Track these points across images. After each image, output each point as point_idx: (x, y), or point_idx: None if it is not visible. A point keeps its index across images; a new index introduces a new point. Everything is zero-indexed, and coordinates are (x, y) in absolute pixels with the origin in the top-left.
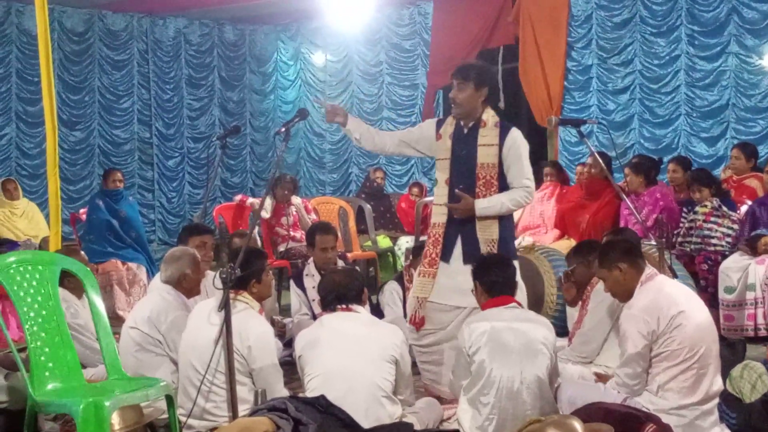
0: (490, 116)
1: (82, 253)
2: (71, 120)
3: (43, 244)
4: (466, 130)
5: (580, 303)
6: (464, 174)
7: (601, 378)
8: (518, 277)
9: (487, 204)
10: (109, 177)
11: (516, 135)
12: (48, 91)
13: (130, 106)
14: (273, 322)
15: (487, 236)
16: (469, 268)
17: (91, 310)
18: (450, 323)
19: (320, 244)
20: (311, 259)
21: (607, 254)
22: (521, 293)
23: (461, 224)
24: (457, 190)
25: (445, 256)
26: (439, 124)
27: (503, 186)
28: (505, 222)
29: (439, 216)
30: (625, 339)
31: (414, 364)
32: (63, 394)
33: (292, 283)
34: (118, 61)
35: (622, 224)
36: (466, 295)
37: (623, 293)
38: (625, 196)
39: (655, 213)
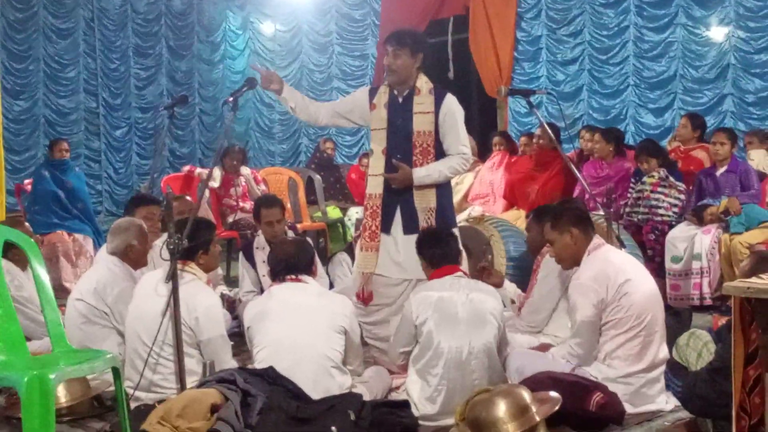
0: (423, 83)
1: (27, 224)
2: (15, 89)
3: None
4: (401, 99)
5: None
6: (401, 143)
7: (544, 348)
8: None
9: (425, 173)
10: (55, 147)
11: (451, 101)
12: None
13: (75, 76)
14: (222, 297)
15: (425, 205)
16: (410, 238)
17: (35, 281)
18: (398, 297)
19: (265, 217)
20: (260, 231)
21: (560, 218)
22: (464, 262)
23: (399, 194)
24: (394, 160)
25: (386, 227)
26: (372, 93)
27: (440, 153)
28: (442, 190)
29: (375, 187)
30: (574, 309)
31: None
32: (6, 367)
33: (241, 256)
34: (64, 30)
35: (576, 194)
36: (410, 267)
37: (569, 259)
38: (573, 167)
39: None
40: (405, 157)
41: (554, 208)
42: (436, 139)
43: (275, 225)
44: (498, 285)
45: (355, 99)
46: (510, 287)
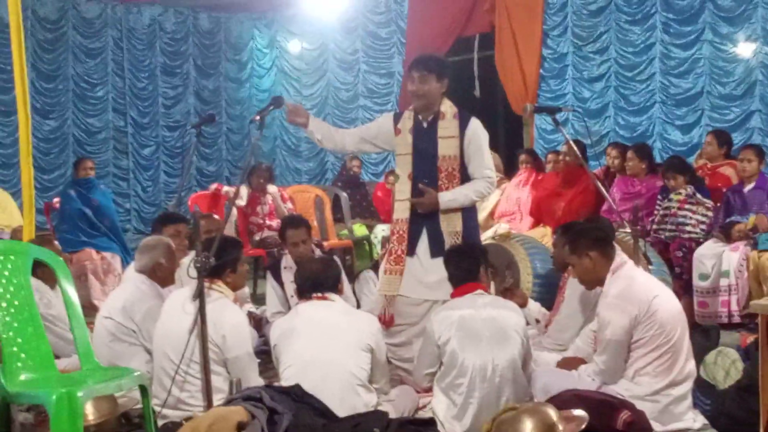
0: (448, 107)
1: (56, 242)
2: (45, 109)
3: (16, 234)
4: (425, 124)
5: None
6: (426, 168)
7: (574, 361)
8: None
9: (451, 197)
10: (80, 166)
11: (476, 126)
12: (21, 80)
13: (104, 95)
14: (250, 316)
15: (451, 229)
16: (436, 261)
17: (63, 299)
18: (422, 317)
19: (291, 238)
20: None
21: (577, 241)
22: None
23: (425, 218)
24: (421, 185)
25: (411, 251)
26: (397, 118)
27: (465, 177)
28: (468, 213)
29: (401, 212)
30: (604, 326)
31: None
32: (36, 384)
33: (268, 274)
34: (92, 49)
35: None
36: (435, 289)
37: (591, 281)
38: (599, 184)
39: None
40: (431, 181)
41: (577, 228)
42: (461, 163)
43: (301, 246)
44: (522, 305)
45: (380, 125)
46: (534, 306)
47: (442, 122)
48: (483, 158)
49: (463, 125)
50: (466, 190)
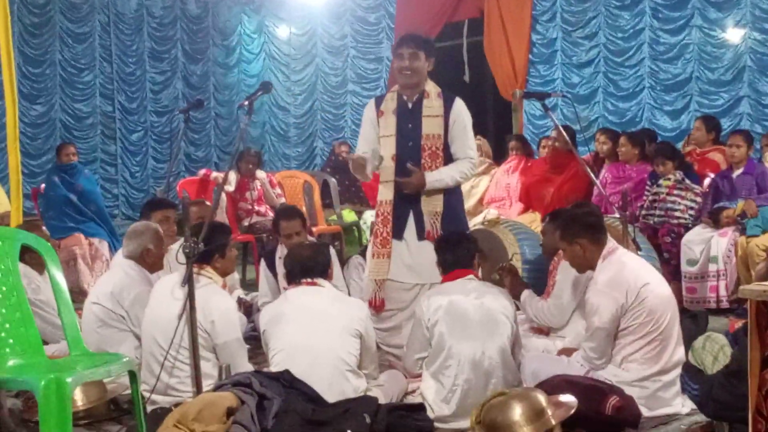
0: (432, 87)
1: (44, 228)
2: (32, 94)
3: (3, 219)
4: (410, 104)
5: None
6: (410, 148)
7: (566, 352)
8: None
9: (438, 176)
10: (62, 151)
11: (460, 106)
12: (7, 65)
13: (92, 80)
14: (239, 301)
15: (431, 209)
16: (423, 244)
17: (51, 285)
18: (411, 301)
19: (284, 230)
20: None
21: (568, 228)
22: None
23: (410, 200)
24: (409, 165)
25: (397, 233)
26: (378, 101)
27: (447, 157)
28: (450, 194)
29: (385, 193)
30: (592, 312)
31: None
32: (24, 370)
33: (262, 263)
34: (80, 34)
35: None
36: (424, 272)
37: (582, 266)
38: (588, 169)
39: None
40: (414, 161)
41: (567, 214)
42: (445, 142)
43: (294, 237)
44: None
45: (370, 120)
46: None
47: (427, 101)
48: (467, 138)
49: (448, 105)
50: (450, 170)
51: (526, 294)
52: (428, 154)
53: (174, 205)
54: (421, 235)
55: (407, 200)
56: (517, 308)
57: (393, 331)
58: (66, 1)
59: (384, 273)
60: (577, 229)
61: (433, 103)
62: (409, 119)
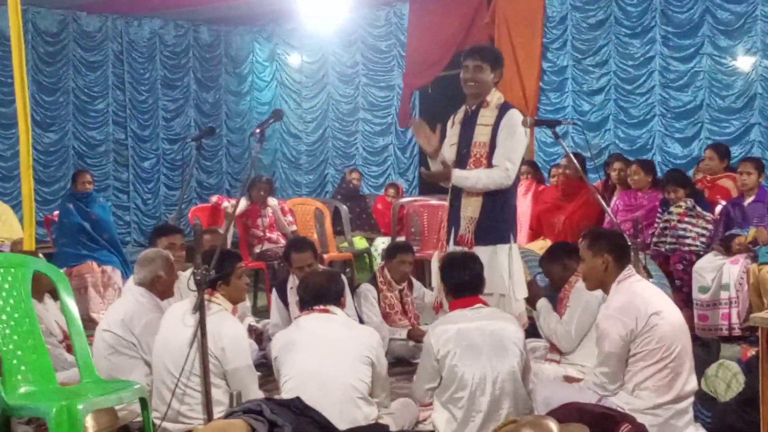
0: (495, 98)
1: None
2: (45, 121)
3: (16, 246)
4: (470, 113)
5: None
6: (464, 155)
7: (570, 381)
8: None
9: (466, 175)
10: (78, 179)
11: (513, 114)
12: (21, 93)
13: (104, 108)
14: (250, 329)
15: (468, 214)
16: (483, 249)
17: (63, 312)
18: None
19: (296, 262)
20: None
21: (599, 239)
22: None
23: (458, 207)
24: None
25: (449, 239)
26: (455, 113)
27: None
28: (490, 201)
29: (448, 199)
30: (602, 338)
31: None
32: (36, 397)
33: (274, 292)
34: (93, 63)
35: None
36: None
37: (595, 281)
38: (600, 197)
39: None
40: (461, 167)
41: (573, 247)
42: (490, 151)
43: (306, 269)
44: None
45: (448, 130)
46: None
47: (484, 110)
48: (509, 148)
49: (501, 114)
50: (480, 173)
51: (543, 303)
52: (473, 160)
53: (181, 231)
54: (476, 240)
55: (456, 207)
56: (531, 320)
57: None
58: (79, 30)
59: None
60: (607, 243)
61: (488, 113)
62: (467, 128)
